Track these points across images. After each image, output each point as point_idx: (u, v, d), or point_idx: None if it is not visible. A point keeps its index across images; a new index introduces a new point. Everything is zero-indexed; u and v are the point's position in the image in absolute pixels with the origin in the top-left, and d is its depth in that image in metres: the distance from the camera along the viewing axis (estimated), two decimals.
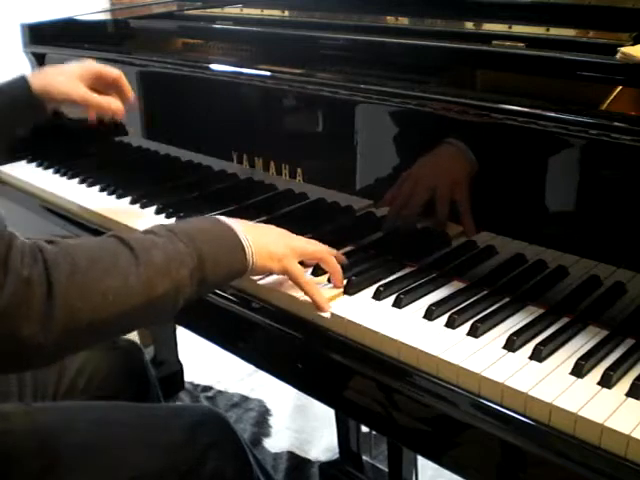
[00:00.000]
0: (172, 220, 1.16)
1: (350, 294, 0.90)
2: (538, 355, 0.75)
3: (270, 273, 0.90)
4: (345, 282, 0.91)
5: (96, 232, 1.21)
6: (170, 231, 0.79)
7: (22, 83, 1.07)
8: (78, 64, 1.12)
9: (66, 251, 0.70)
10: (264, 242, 0.85)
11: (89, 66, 1.11)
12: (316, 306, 0.86)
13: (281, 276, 0.91)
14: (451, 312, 0.83)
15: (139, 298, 0.72)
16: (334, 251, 0.94)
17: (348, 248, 1.02)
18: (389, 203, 0.98)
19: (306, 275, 0.90)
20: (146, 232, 0.79)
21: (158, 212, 1.19)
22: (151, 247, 0.75)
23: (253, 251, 0.83)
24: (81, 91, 1.07)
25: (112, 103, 1.09)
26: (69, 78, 1.08)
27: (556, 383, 0.71)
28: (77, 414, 0.96)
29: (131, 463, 0.89)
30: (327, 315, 0.86)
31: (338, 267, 0.91)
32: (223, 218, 0.85)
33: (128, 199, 1.25)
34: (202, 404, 1.87)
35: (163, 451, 0.91)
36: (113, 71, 1.12)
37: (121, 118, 1.13)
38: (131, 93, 1.13)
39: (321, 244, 0.94)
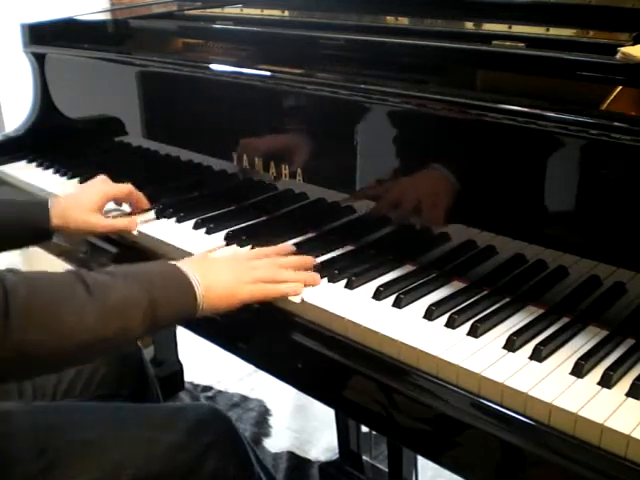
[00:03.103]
0: (172, 220, 1.16)
1: (351, 289, 0.91)
2: (538, 355, 0.75)
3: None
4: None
5: None
6: (126, 274, 0.82)
7: (43, 215, 1.09)
8: (93, 192, 1.14)
9: (26, 282, 0.73)
10: (216, 283, 0.86)
11: (103, 194, 1.14)
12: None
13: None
14: (451, 312, 0.83)
15: (91, 335, 0.75)
16: (292, 262, 0.94)
17: (348, 248, 1.02)
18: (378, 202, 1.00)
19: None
20: (104, 273, 0.82)
21: (158, 212, 1.19)
22: (107, 288, 0.78)
23: (203, 293, 0.85)
24: (99, 227, 1.12)
25: (128, 225, 1.14)
26: (87, 212, 1.11)
27: (556, 383, 0.71)
28: (77, 414, 0.96)
29: (132, 463, 0.89)
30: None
31: (300, 276, 0.91)
32: (177, 263, 0.87)
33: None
34: (203, 403, 1.87)
35: (164, 450, 0.91)
36: (123, 190, 1.17)
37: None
38: (145, 202, 1.19)
39: (275, 260, 0.94)
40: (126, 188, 1.17)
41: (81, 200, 1.12)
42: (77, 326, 0.74)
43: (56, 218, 1.09)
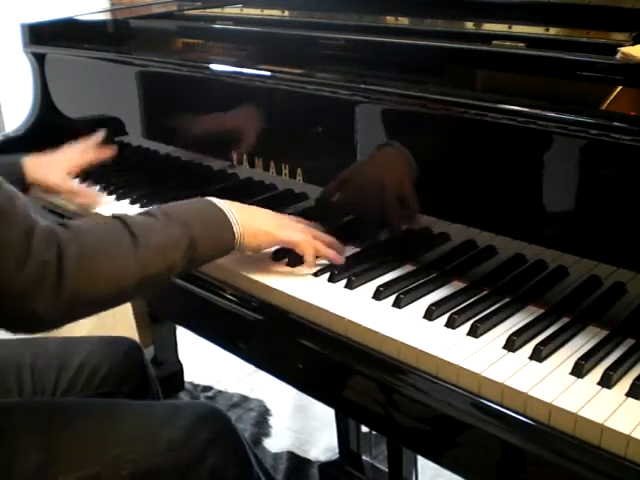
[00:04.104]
0: None
1: (351, 289, 0.91)
2: (538, 355, 0.75)
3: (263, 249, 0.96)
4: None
5: None
6: (166, 214, 0.87)
7: (18, 168, 1.19)
8: (63, 158, 1.25)
9: (76, 236, 0.79)
10: (253, 222, 0.93)
11: (73, 160, 1.26)
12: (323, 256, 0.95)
13: (280, 279, 0.93)
14: (451, 312, 0.83)
15: (136, 278, 0.82)
16: (324, 238, 0.98)
17: (348, 248, 1.02)
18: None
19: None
20: (145, 214, 0.88)
21: None
22: (149, 231, 0.84)
23: (241, 231, 0.91)
24: (66, 186, 1.23)
25: (88, 196, 1.26)
26: (57, 172, 1.22)
27: (556, 383, 0.71)
28: (77, 410, 0.97)
29: (131, 459, 0.89)
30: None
31: (330, 252, 0.96)
32: (215, 200, 0.92)
33: (128, 199, 1.25)
34: (202, 401, 1.87)
35: (163, 448, 0.91)
36: (88, 157, 1.28)
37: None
38: (109, 151, 1.31)
39: (311, 230, 0.98)
40: (89, 156, 1.28)
41: (55, 161, 1.24)
42: (123, 272, 0.81)
43: (31, 173, 1.19)
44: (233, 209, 0.91)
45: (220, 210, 0.91)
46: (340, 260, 0.96)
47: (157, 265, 0.83)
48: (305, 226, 0.98)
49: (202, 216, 0.89)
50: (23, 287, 0.73)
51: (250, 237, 0.92)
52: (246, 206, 0.96)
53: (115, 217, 0.85)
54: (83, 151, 1.28)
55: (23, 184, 1.17)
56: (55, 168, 1.23)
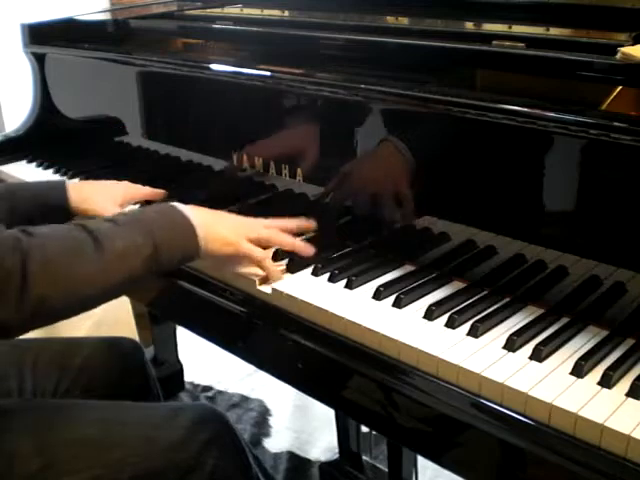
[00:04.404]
0: None
1: (351, 289, 0.91)
2: (538, 355, 0.75)
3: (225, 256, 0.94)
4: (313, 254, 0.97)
5: None
6: (129, 221, 0.86)
7: (61, 193, 1.11)
8: (121, 187, 1.18)
9: (40, 242, 0.78)
10: (217, 228, 0.91)
11: (129, 192, 1.18)
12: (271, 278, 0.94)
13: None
14: (451, 312, 0.83)
15: (99, 283, 0.81)
16: (295, 222, 0.99)
17: (348, 248, 1.02)
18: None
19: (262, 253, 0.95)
20: (108, 220, 0.87)
21: None
22: (113, 237, 0.83)
23: (205, 238, 0.89)
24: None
25: None
26: (108, 201, 1.13)
27: (556, 383, 0.71)
28: (77, 412, 0.96)
29: (131, 461, 0.89)
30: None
31: (297, 244, 0.96)
32: (179, 206, 0.91)
33: None
34: (201, 402, 1.87)
35: (163, 449, 0.91)
36: (147, 192, 1.20)
37: None
38: (162, 193, 1.22)
39: (279, 221, 0.98)
40: (146, 190, 1.20)
41: (108, 189, 1.16)
42: (88, 278, 0.80)
43: (75, 198, 1.11)
44: (198, 216, 0.90)
45: (184, 217, 0.89)
46: (308, 251, 0.96)
47: (120, 271, 0.82)
48: (270, 222, 0.98)
49: (166, 223, 0.88)
50: None
51: (214, 244, 0.90)
52: (211, 212, 0.95)
53: (78, 224, 0.84)
54: (139, 187, 1.21)
55: (65, 209, 1.11)
56: (108, 196, 1.14)
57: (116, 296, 0.87)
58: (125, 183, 1.20)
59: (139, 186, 1.20)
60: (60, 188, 1.12)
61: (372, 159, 1.00)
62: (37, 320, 0.79)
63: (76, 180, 1.37)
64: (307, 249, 0.97)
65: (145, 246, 0.84)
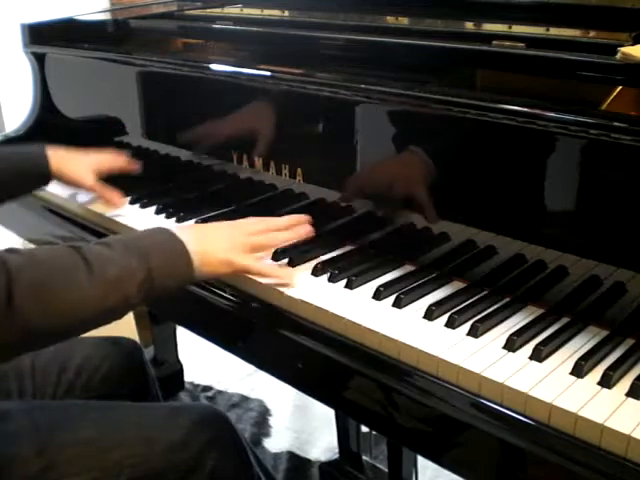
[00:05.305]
0: (172, 220, 1.16)
1: (351, 289, 0.91)
2: (538, 355, 0.75)
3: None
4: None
5: (96, 232, 1.21)
6: (123, 245, 0.84)
7: (41, 159, 1.15)
8: (95, 157, 1.21)
9: (28, 263, 0.76)
10: (211, 251, 0.89)
11: (103, 163, 1.21)
12: (279, 285, 0.93)
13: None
14: (451, 312, 0.83)
15: (92, 309, 0.78)
16: (285, 219, 0.99)
17: (348, 248, 1.02)
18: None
19: (265, 262, 0.97)
20: (101, 244, 0.84)
21: (158, 212, 1.19)
22: (106, 262, 0.80)
23: (201, 261, 0.88)
24: (90, 182, 1.18)
25: (114, 198, 1.19)
26: (84, 167, 1.17)
27: (556, 383, 0.71)
28: (77, 413, 0.96)
29: (131, 462, 0.89)
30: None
31: (292, 235, 0.97)
32: (173, 230, 0.89)
33: (128, 199, 1.25)
34: (202, 402, 1.88)
35: (163, 450, 0.91)
36: (119, 163, 1.23)
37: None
38: (135, 166, 1.25)
39: (276, 220, 0.98)
40: (120, 161, 1.23)
41: (81, 155, 1.19)
42: (79, 303, 0.77)
43: (55, 163, 1.15)
44: (192, 241, 0.88)
45: (178, 241, 0.87)
46: (307, 232, 0.98)
47: (113, 295, 0.79)
48: (260, 220, 0.98)
49: (160, 247, 0.86)
50: None
51: (208, 266, 0.89)
52: (204, 232, 0.93)
53: (70, 246, 0.82)
54: (115, 156, 1.24)
55: (45, 176, 1.15)
56: (82, 163, 1.18)
57: (110, 321, 0.84)
58: (97, 153, 1.23)
59: (110, 154, 1.24)
60: (41, 155, 1.15)
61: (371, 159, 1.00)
62: (28, 343, 0.77)
63: None
64: (304, 231, 0.98)
65: (139, 270, 0.81)
